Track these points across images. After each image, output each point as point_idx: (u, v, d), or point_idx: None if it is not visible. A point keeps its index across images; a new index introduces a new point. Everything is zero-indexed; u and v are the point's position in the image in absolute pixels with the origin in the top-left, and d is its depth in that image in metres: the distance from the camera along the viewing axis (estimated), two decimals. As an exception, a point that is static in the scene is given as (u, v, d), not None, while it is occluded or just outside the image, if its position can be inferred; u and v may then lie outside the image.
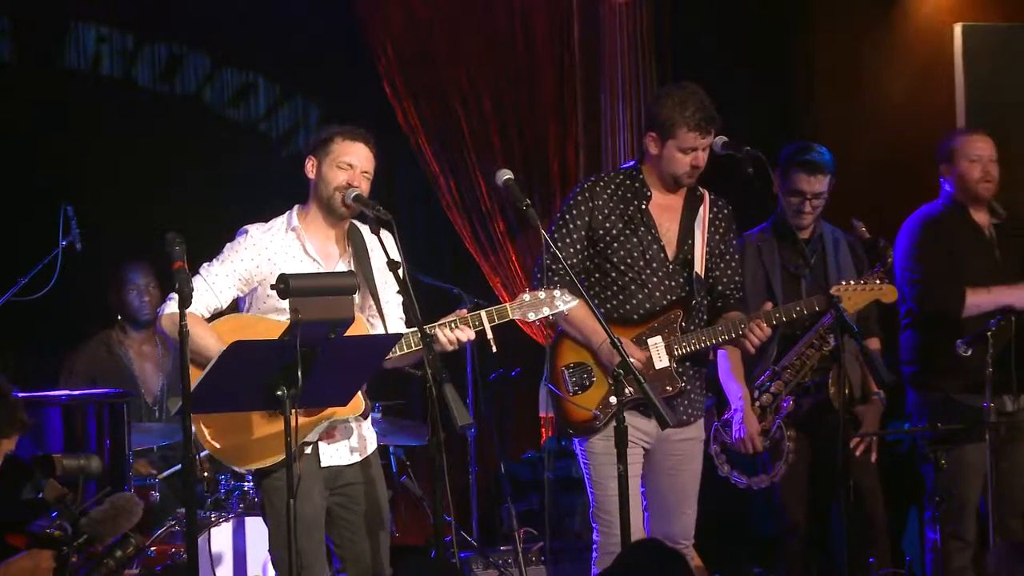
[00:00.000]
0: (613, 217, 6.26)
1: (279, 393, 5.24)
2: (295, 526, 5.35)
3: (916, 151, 8.81)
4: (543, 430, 9.26)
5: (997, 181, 7.22)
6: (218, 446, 5.73)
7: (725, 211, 6.47)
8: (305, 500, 5.66)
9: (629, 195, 6.29)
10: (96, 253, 7.83)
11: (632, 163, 6.44)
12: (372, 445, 5.99)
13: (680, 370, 6.26)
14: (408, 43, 9.23)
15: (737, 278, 6.49)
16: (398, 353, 5.72)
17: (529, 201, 5.86)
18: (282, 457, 5.53)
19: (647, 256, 6.26)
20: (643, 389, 5.61)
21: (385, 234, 5.84)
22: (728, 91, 9.00)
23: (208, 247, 5.96)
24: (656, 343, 6.23)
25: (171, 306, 5.70)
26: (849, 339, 6.13)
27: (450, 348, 5.73)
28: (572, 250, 6.25)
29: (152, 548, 7.11)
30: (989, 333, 6.83)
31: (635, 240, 6.26)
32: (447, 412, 5.37)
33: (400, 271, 5.57)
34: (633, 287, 6.26)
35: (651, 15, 9.48)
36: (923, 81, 9.28)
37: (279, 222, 5.94)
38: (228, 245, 5.89)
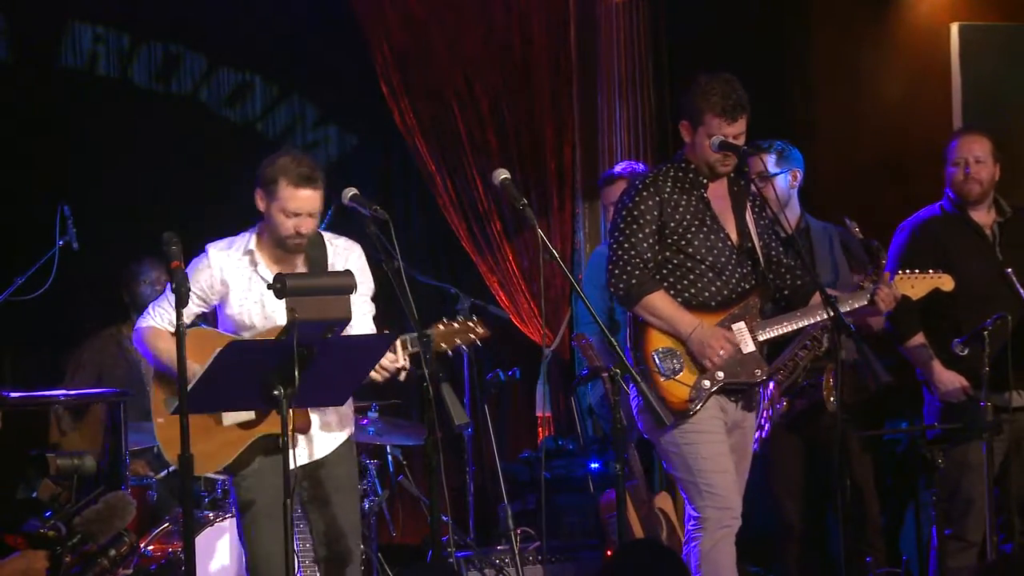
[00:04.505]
0: (681, 209, 6.22)
1: (276, 393, 5.24)
2: (260, 521, 5.58)
3: (913, 150, 8.82)
4: (540, 430, 9.26)
5: (987, 178, 7.19)
6: (174, 454, 5.78)
7: (760, 199, 6.48)
8: (261, 493, 5.79)
9: (688, 186, 6.26)
10: (93, 253, 7.82)
11: (675, 158, 6.40)
12: (342, 438, 6.02)
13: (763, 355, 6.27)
14: (405, 42, 9.23)
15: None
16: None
17: (526, 201, 5.86)
18: (224, 462, 5.79)
19: (719, 245, 6.24)
20: (641, 389, 5.61)
21: (356, 250, 5.95)
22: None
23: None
24: (740, 328, 6.21)
25: (145, 320, 5.95)
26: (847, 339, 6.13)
27: (378, 377, 5.76)
28: (646, 244, 6.20)
29: (149, 547, 7.11)
30: (986, 332, 6.83)
31: (705, 230, 6.23)
32: (444, 412, 5.37)
33: (398, 271, 5.58)
34: (711, 274, 6.21)
35: (648, 15, 9.48)
36: (920, 80, 9.28)
37: (238, 242, 5.97)
38: (191, 262, 5.91)
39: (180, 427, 5.22)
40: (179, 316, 5.27)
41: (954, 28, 9.16)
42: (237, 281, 5.90)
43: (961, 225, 7.23)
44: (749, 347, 6.22)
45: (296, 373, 5.19)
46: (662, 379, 6.15)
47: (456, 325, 5.87)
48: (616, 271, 6.21)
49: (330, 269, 5.94)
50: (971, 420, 6.93)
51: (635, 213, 6.23)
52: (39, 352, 8.64)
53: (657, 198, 6.22)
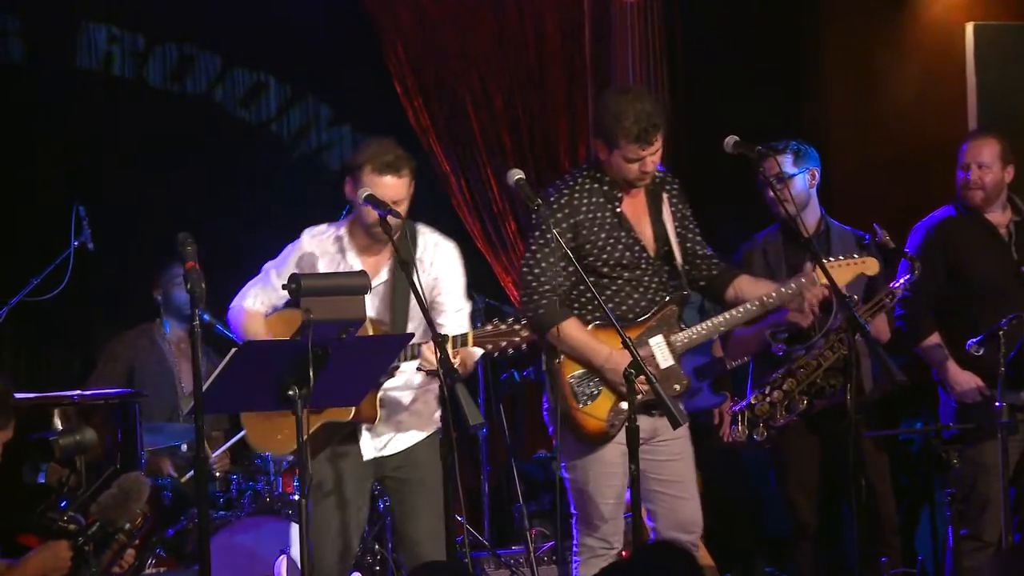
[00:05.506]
0: (596, 228, 6.15)
1: (291, 393, 5.24)
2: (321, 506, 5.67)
3: (927, 150, 8.80)
4: (554, 430, 9.25)
5: (991, 183, 7.17)
6: (253, 436, 6.02)
7: (676, 186, 6.41)
8: (327, 480, 5.86)
9: (602, 200, 6.19)
10: (108, 253, 7.84)
11: (590, 164, 6.32)
12: (425, 433, 6.08)
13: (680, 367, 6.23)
14: (419, 42, 9.22)
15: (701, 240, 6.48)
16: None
17: (540, 201, 5.86)
18: (293, 448, 5.66)
19: (635, 258, 6.18)
20: (655, 390, 5.60)
21: (446, 246, 6.06)
22: (738, 90, 9.06)
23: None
24: (658, 342, 6.16)
25: (242, 300, 6.07)
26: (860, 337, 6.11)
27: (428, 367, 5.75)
28: (557, 268, 6.12)
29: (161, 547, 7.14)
30: (1001, 332, 6.82)
31: (620, 246, 6.17)
32: (458, 412, 5.37)
33: (412, 271, 5.59)
34: (628, 288, 6.17)
35: (661, 15, 9.46)
36: (934, 80, 9.26)
37: (332, 228, 6.07)
38: (287, 247, 6.07)
39: (196, 428, 5.22)
40: (194, 316, 5.27)
41: (969, 28, 9.14)
42: (325, 266, 5.95)
43: (976, 225, 7.22)
44: (667, 361, 6.16)
45: (311, 373, 5.20)
46: (579, 405, 6.11)
47: (503, 327, 5.83)
48: (524, 298, 6.13)
49: (418, 262, 5.97)
50: (986, 420, 6.93)
51: (548, 236, 6.12)
52: (54, 352, 8.66)
53: (572, 220, 6.11)
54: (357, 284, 5.45)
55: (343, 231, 6.03)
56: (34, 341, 8.61)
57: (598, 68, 9.56)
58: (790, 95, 9.46)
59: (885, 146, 9.27)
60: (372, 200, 5.79)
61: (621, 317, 6.13)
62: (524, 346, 5.89)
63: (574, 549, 6.30)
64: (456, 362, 5.66)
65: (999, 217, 7.25)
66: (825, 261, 6.26)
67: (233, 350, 5.31)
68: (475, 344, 5.81)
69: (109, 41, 9.06)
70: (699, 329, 6.23)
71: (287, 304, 5.97)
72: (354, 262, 5.96)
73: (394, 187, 5.89)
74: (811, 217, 7.11)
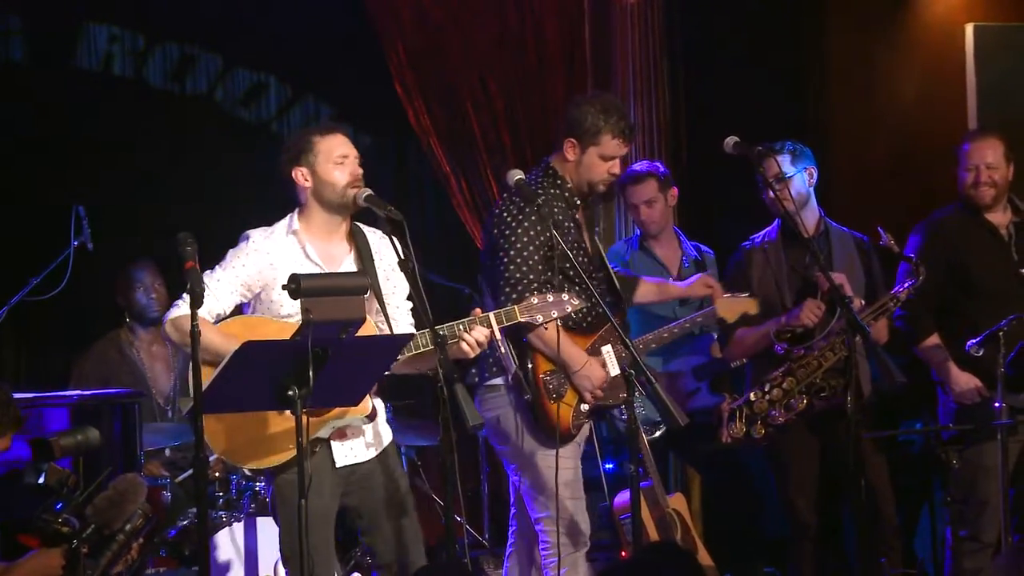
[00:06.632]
0: (563, 231, 6.19)
1: (290, 393, 5.23)
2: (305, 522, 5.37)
3: (928, 151, 8.81)
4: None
5: (999, 182, 7.18)
6: (224, 446, 5.72)
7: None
8: (315, 496, 5.61)
9: (564, 206, 6.26)
10: (107, 254, 7.84)
11: (543, 168, 6.36)
12: (387, 439, 6.00)
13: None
14: (419, 42, 9.22)
15: None
16: (407, 355, 5.70)
17: (540, 202, 5.86)
18: (287, 456, 5.62)
19: (589, 266, 6.27)
20: (656, 390, 5.60)
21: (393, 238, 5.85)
22: (740, 91, 9.05)
23: (220, 247, 5.96)
24: (608, 351, 6.24)
25: (174, 311, 5.76)
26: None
27: (471, 352, 5.69)
28: (540, 267, 6.17)
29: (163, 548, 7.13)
30: (1001, 333, 6.82)
31: (581, 252, 6.25)
32: (458, 412, 5.37)
33: (413, 271, 5.57)
34: (584, 295, 6.16)
35: (662, 15, 9.46)
36: (935, 81, 9.27)
37: (280, 226, 5.92)
38: (231, 251, 5.87)
39: (195, 429, 5.22)
40: (194, 317, 5.25)
41: (969, 28, 9.15)
42: (286, 264, 5.78)
43: (976, 226, 7.22)
44: (616, 370, 6.23)
45: (311, 373, 5.19)
46: (551, 402, 6.18)
47: (551, 298, 5.84)
48: (513, 293, 6.14)
49: (374, 256, 5.92)
50: (986, 421, 6.93)
51: (532, 233, 6.18)
52: (53, 353, 8.65)
53: (547, 223, 6.10)
54: (357, 284, 5.44)
55: (296, 224, 5.89)
56: (34, 341, 8.60)
57: (598, 69, 9.56)
58: (791, 95, 9.46)
59: (886, 147, 9.28)
60: (373, 201, 5.77)
61: (577, 324, 6.26)
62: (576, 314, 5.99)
63: (543, 552, 6.28)
64: (493, 335, 5.70)
65: (999, 218, 7.24)
66: (726, 296, 6.81)
67: (233, 350, 5.31)
68: (523, 318, 5.80)
69: (110, 41, 9.06)
70: (648, 338, 6.66)
71: (239, 311, 5.87)
72: (313, 253, 5.85)
73: (346, 142, 5.92)
74: (811, 218, 7.10)
